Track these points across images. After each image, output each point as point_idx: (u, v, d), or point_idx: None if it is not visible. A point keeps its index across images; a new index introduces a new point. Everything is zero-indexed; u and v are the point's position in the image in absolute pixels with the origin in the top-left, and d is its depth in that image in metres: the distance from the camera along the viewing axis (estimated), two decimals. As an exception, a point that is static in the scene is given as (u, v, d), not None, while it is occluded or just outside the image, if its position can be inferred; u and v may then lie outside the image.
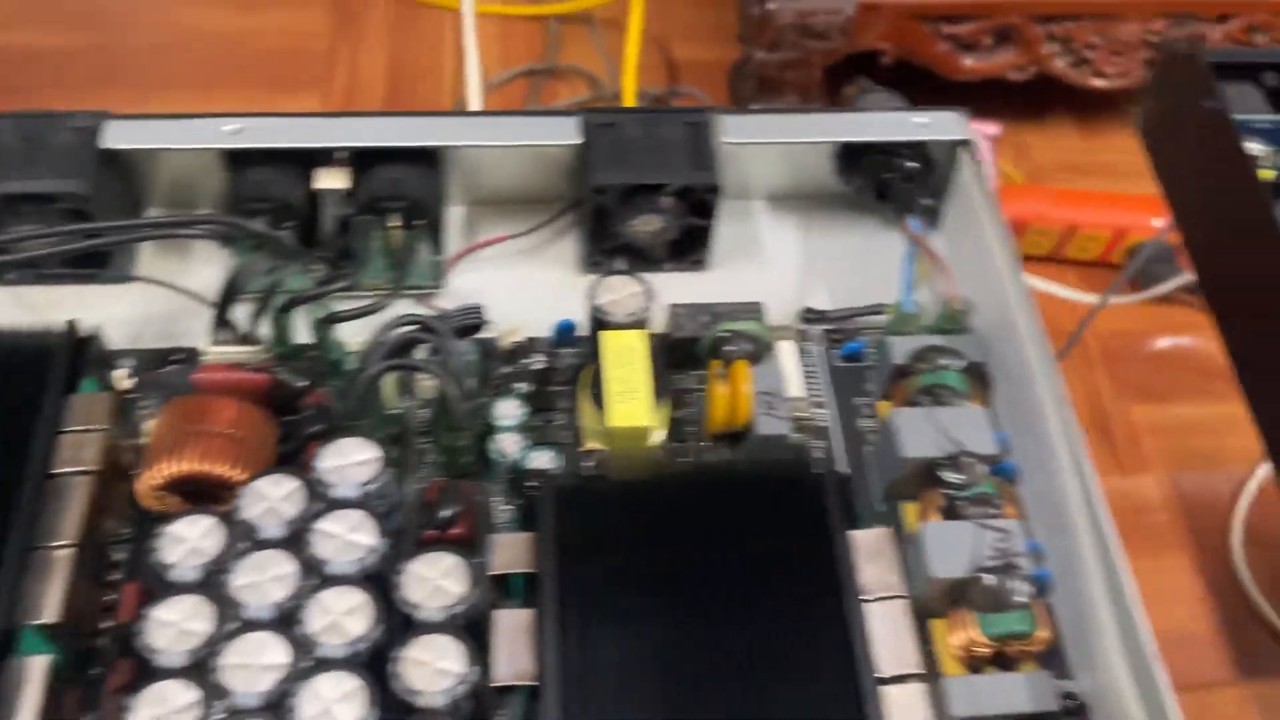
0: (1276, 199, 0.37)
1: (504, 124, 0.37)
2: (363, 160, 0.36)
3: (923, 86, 1.03)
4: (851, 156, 0.39)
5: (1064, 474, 0.30)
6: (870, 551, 0.29)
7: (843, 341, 0.37)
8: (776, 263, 0.39)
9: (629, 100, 1.07)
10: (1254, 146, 0.39)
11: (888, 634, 0.28)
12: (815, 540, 0.28)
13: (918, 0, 0.99)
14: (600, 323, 0.33)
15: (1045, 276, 0.97)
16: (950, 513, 0.31)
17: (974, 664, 0.30)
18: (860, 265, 0.39)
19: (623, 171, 0.35)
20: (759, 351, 0.34)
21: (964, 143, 0.38)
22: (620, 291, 0.33)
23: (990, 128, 1.21)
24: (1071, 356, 0.88)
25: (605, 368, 0.31)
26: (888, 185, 0.38)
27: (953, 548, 0.30)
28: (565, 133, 0.36)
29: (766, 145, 0.38)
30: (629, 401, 0.31)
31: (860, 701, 0.26)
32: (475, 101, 1.14)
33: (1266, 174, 0.37)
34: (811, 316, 0.37)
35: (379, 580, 0.27)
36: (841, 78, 1.03)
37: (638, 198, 0.36)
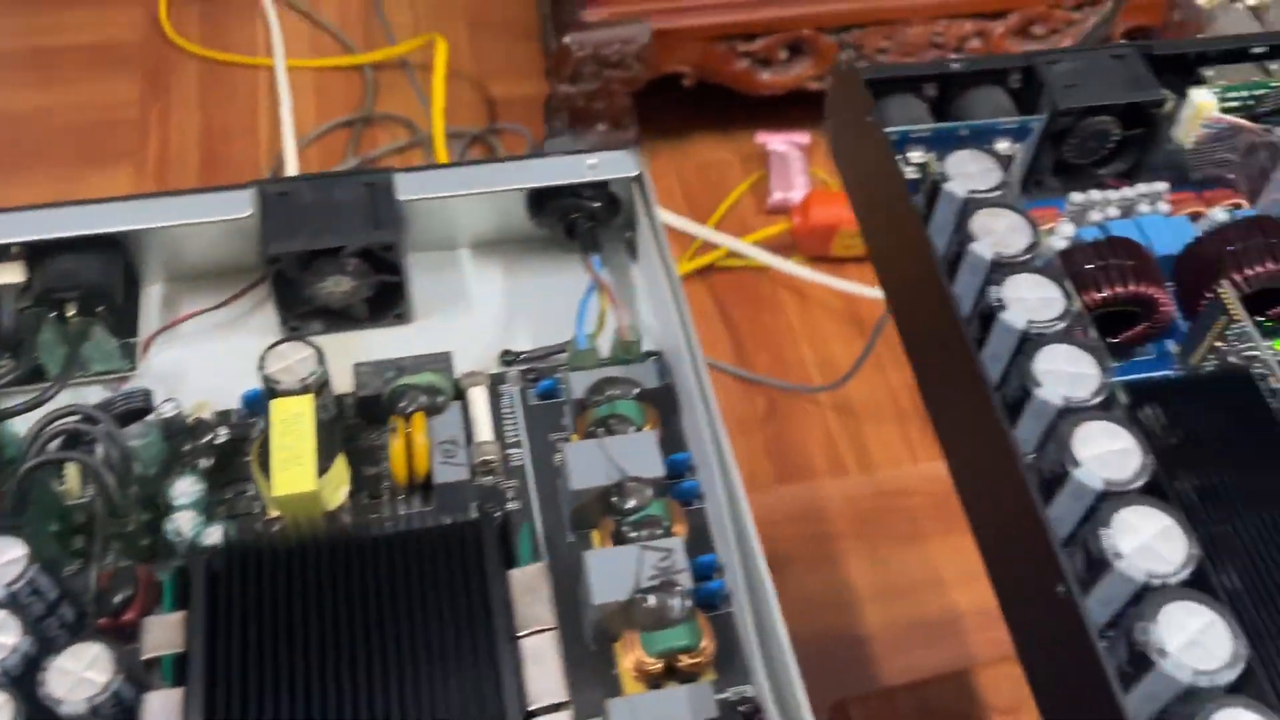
0: (934, 203, 0.39)
1: (179, 204, 0.37)
2: (37, 252, 0.36)
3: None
4: (539, 201, 0.40)
5: (717, 489, 0.32)
6: (525, 588, 0.30)
7: (538, 380, 0.38)
8: (480, 309, 0.41)
9: (439, 143, 1.08)
10: (916, 155, 0.42)
11: (539, 667, 0.29)
12: (471, 585, 0.29)
13: (709, 23, 1.02)
14: (272, 391, 0.33)
15: (856, 278, 1.01)
16: (619, 538, 0.32)
17: (653, 681, 0.31)
18: (560, 304, 0.40)
19: (296, 238, 0.36)
20: (441, 402, 0.35)
21: (636, 178, 0.40)
22: (290, 358, 0.34)
23: (800, 137, 1.24)
24: (879, 351, 0.92)
25: (272, 436, 0.32)
26: (574, 225, 0.40)
27: (614, 573, 0.31)
28: (239, 206, 0.37)
29: (450, 199, 0.39)
30: (293, 468, 0.31)
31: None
32: (292, 159, 1.14)
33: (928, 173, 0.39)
34: (509, 358, 0.39)
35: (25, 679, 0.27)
36: (666, 100, 1.05)
37: (319, 261, 0.37)
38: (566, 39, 0.99)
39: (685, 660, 0.31)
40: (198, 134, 1.14)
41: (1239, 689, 0.29)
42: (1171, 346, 0.40)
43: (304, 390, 0.33)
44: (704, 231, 1.04)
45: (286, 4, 1.25)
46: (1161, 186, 0.43)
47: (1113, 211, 0.42)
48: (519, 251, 0.42)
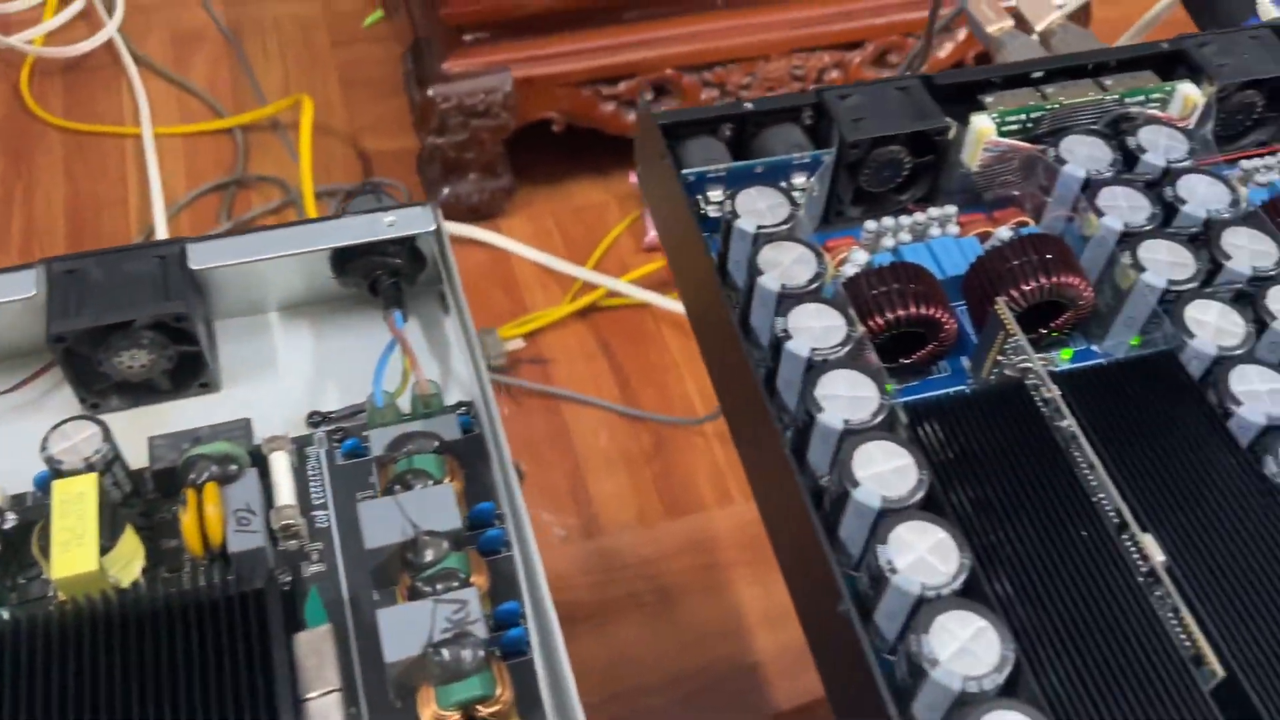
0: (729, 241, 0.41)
1: (-39, 288, 0.37)
2: None
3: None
4: (343, 261, 0.41)
5: (513, 540, 0.32)
6: (311, 650, 0.30)
7: (344, 440, 0.38)
8: (289, 372, 0.41)
9: (309, 200, 1.07)
10: (715, 194, 0.43)
11: (321, 731, 0.29)
12: (254, 652, 0.29)
13: (570, 69, 1.04)
14: (56, 472, 0.33)
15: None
16: (414, 593, 0.33)
17: (453, 732, 0.32)
18: (369, 363, 0.40)
19: (83, 315, 0.36)
20: (234, 470, 0.35)
21: (434, 232, 0.40)
22: (74, 437, 0.33)
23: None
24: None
25: (53, 518, 0.32)
26: (377, 282, 0.40)
27: (406, 629, 0.31)
28: (24, 286, 0.37)
29: (251, 264, 0.39)
30: (74, 549, 0.31)
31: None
32: (162, 227, 1.13)
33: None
34: (315, 419, 0.39)
35: None
36: (541, 145, 1.06)
37: (112, 337, 0.37)
38: (430, 91, 1.00)
39: (483, 710, 0.31)
40: (65, 207, 1.12)
41: (1011, 692, 0.30)
42: (965, 363, 0.41)
43: (89, 469, 0.33)
44: (583, 272, 1.05)
45: (152, 71, 1.24)
46: (951, 210, 0.45)
47: (905, 236, 0.44)
48: (329, 312, 0.42)
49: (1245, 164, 0.47)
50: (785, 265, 0.38)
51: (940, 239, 0.44)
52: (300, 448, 0.38)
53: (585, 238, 1.11)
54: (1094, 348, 0.41)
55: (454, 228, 1.08)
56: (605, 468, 0.95)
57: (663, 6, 1.03)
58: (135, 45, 1.26)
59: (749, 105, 0.44)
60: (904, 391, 0.40)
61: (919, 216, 0.44)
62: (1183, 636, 0.31)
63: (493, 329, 1.01)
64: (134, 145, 1.18)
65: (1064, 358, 0.41)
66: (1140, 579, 0.32)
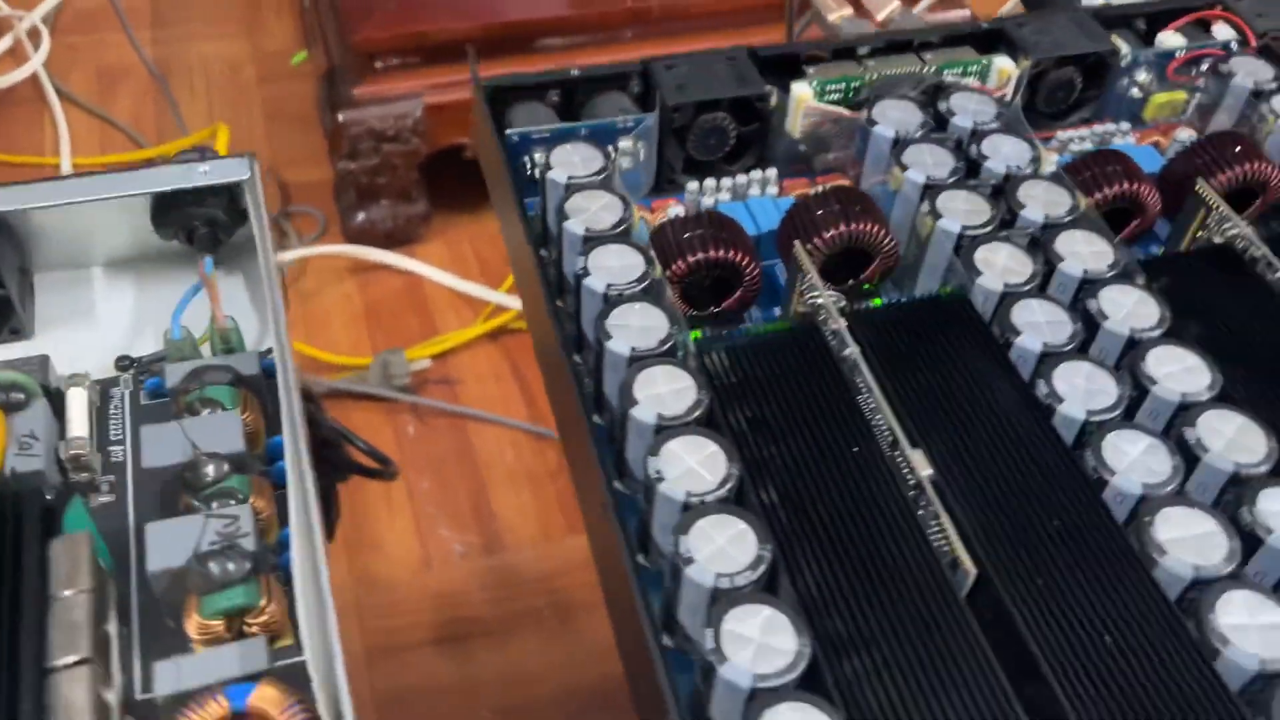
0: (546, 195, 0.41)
1: None
2: None
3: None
4: (162, 212, 0.41)
5: (290, 472, 0.33)
6: (64, 554, 0.30)
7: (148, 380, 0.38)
8: (107, 322, 0.41)
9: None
10: (540, 156, 0.44)
11: (65, 627, 0.28)
12: (4, 554, 0.29)
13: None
14: None
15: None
16: (189, 510, 0.33)
17: (220, 642, 0.31)
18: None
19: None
20: (22, 399, 0.35)
21: (245, 182, 0.41)
22: None
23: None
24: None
25: None
26: (193, 232, 0.41)
27: (173, 541, 0.31)
28: None
29: (51, 210, 0.40)
30: None
31: (15, 690, 0.27)
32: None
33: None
34: (125, 363, 0.39)
35: None
36: (458, 171, 1.08)
37: (-85, 276, 0.37)
38: (340, 116, 1.02)
39: (251, 623, 0.31)
40: (-21, 233, 1.12)
41: (771, 589, 0.30)
42: (778, 314, 0.42)
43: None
44: (495, 295, 1.06)
45: (75, 105, 1.25)
46: (773, 173, 0.46)
47: (724, 196, 0.45)
48: (152, 269, 0.42)
49: (1061, 135, 0.49)
50: (592, 211, 0.39)
51: (759, 199, 0.45)
52: (106, 389, 0.38)
53: (501, 263, 1.12)
54: (904, 299, 0.42)
55: (366, 253, 1.09)
56: (509, 485, 0.95)
57: (572, 37, 1.06)
58: (60, 80, 1.27)
59: (576, 71, 0.46)
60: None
61: (740, 179, 0.46)
62: (942, 543, 0.32)
63: (400, 349, 1.01)
64: (52, 175, 1.18)
65: (874, 306, 0.42)
66: (910, 493, 0.33)
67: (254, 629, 0.31)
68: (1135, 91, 0.50)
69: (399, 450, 0.97)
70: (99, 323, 0.41)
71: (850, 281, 0.42)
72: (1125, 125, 0.49)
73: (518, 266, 0.42)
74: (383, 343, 1.03)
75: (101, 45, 1.35)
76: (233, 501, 0.33)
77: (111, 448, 0.36)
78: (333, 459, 0.62)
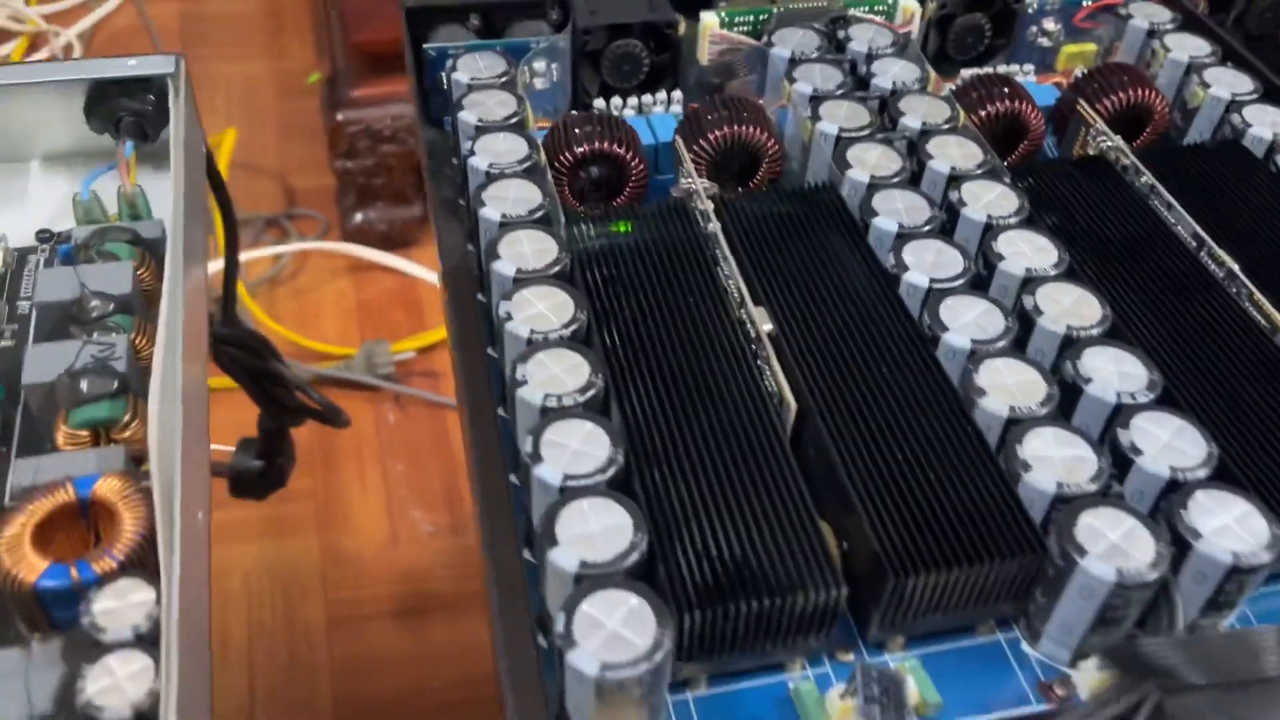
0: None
1: None
2: None
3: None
4: (93, 104, 0.44)
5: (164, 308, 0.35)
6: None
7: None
8: (33, 206, 0.44)
9: (219, 221, 1.11)
10: (460, 77, 0.47)
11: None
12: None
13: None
14: None
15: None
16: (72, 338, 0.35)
17: (86, 455, 0.33)
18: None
19: None
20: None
21: (171, 75, 0.43)
22: None
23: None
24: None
25: None
26: (120, 121, 0.44)
27: (49, 361, 0.33)
28: None
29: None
30: None
31: None
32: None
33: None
34: (45, 235, 0.41)
35: None
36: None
37: None
38: (339, 115, 1.06)
39: (116, 438, 0.33)
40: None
41: (603, 411, 0.31)
42: (669, 212, 0.44)
43: None
44: (482, 296, 1.08)
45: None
46: (678, 94, 0.48)
47: (629, 112, 0.47)
48: (85, 163, 0.45)
49: (965, 73, 0.50)
50: (488, 105, 0.42)
51: (662, 115, 0.47)
52: (24, 255, 0.40)
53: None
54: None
55: (359, 251, 1.12)
56: (482, 471, 0.96)
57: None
58: (87, 89, 1.33)
59: (495, -2, 0.48)
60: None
61: (647, 98, 0.48)
62: (771, 387, 0.33)
63: (385, 340, 1.04)
64: None
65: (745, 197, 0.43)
66: (751, 346, 0.34)
67: (125, 440, 0.33)
68: (1044, 40, 0.52)
69: (377, 435, 0.99)
70: (28, 205, 0.44)
71: (740, 190, 0.44)
72: (1030, 68, 0.51)
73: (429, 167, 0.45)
74: (371, 336, 1.06)
75: (130, 61, 1.41)
76: (114, 334, 0.35)
77: (20, 302, 0.39)
78: (284, 400, 0.65)
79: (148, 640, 0.26)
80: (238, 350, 0.60)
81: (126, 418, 0.33)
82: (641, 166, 0.42)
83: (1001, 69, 0.51)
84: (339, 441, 0.97)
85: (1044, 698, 0.30)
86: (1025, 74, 0.51)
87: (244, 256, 1.12)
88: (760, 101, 0.48)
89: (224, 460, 0.66)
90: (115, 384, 0.33)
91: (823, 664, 0.30)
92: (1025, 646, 0.31)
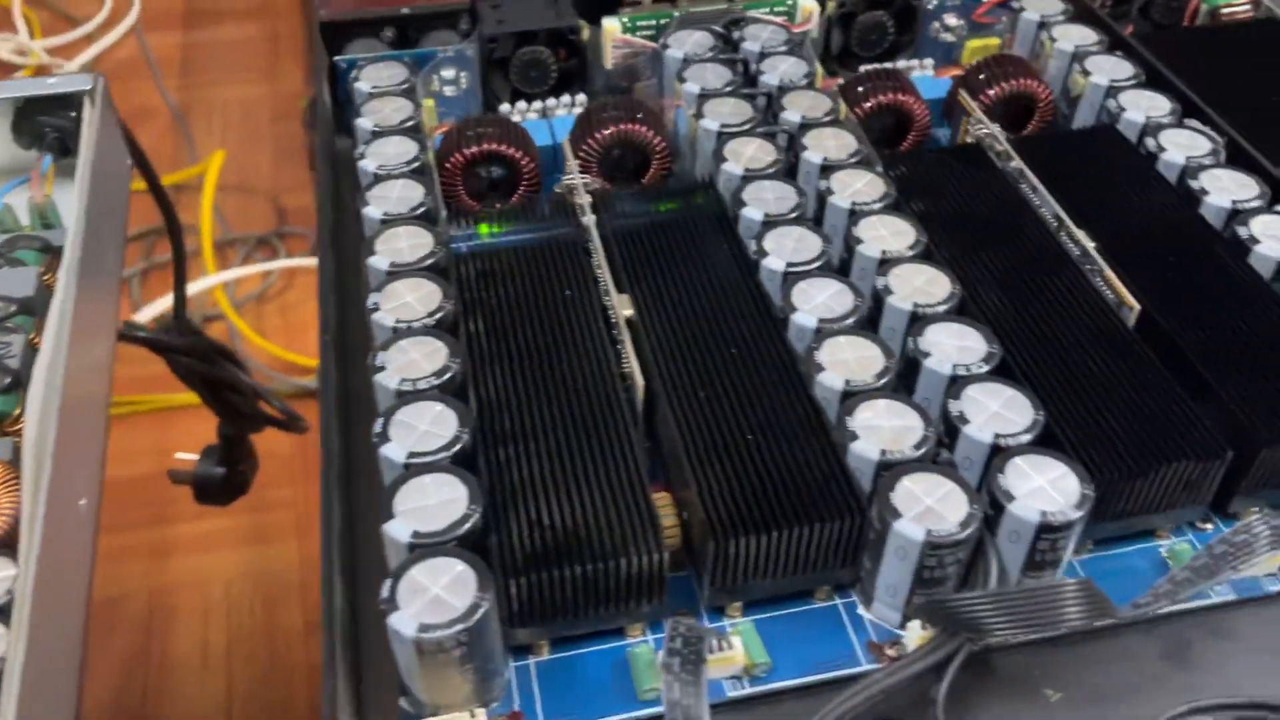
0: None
1: None
2: None
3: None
4: (19, 123, 0.46)
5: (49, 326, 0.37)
6: None
7: (-14, 259, 0.43)
8: (-33, 219, 0.46)
9: (206, 239, 1.15)
10: (363, 86, 0.49)
11: None
12: None
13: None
14: None
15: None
16: (-26, 341, 0.37)
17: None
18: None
19: None
20: None
21: (88, 92, 0.46)
22: None
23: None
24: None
25: None
26: (44, 137, 0.46)
27: (-52, 358, 0.35)
28: None
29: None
30: None
31: None
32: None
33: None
34: (-31, 247, 0.44)
35: None
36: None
37: None
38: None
39: (8, 430, 0.35)
40: None
41: (458, 393, 0.33)
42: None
43: None
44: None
45: (97, 137, 1.35)
46: (582, 97, 0.50)
47: (532, 115, 0.49)
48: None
49: (863, 69, 0.52)
50: (385, 112, 0.44)
51: (564, 117, 0.49)
52: (-53, 262, 0.43)
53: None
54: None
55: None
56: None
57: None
58: (87, 117, 1.37)
59: (406, 10, 0.50)
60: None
61: (550, 101, 0.49)
62: (627, 364, 0.34)
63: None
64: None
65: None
66: (613, 331, 0.36)
67: (8, 436, 0.35)
68: (947, 35, 0.53)
69: (359, 445, 1.01)
70: (-37, 221, 0.46)
71: (633, 187, 0.45)
72: (929, 62, 0.52)
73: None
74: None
75: (132, 90, 1.45)
76: (13, 334, 0.37)
77: (-55, 301, 0.41)
78: (242, 407, 0.67)
79: (4, 613, 0.28)
80: (191, 359, 0.63)
81: (17, 411, 0.35)
82: (533, 165, 0.44)
83: (903, 65, 0.52)
84: (319, 452, 0.99)
85: (875, 657, 0.31)
86: (924, 68, 0.52)
87: (232, 274, 1.15)
88: (664, 102, 0.49)
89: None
90: (9, 380, 0.35)
91: (663, 630, 0.31)
92: (860, 610, 0.32)
